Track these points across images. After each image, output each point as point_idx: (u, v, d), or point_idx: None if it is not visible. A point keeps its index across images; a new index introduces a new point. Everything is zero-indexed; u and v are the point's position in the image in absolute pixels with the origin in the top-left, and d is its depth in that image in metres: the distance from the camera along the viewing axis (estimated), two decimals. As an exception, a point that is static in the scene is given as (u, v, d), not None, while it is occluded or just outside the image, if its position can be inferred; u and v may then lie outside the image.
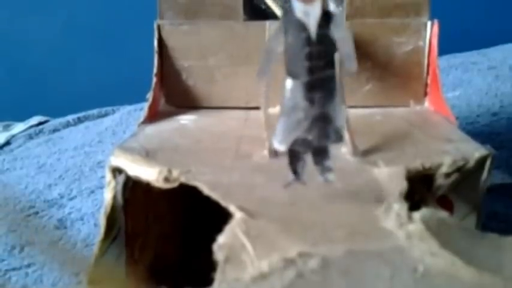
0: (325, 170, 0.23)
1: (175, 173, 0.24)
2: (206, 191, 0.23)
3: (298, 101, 0.21)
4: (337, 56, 0.22)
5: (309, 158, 0.23)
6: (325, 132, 0.22)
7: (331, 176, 0.23)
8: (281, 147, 0.22)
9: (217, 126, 0.32)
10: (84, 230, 0.42)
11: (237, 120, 0.33)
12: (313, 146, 0.22)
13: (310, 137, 0.22)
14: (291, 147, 0.22)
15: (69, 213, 0.45)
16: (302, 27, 0.21)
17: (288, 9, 0.21)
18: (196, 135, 0.30)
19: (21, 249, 0.40)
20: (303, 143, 0.22)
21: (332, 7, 0.33)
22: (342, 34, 0.22)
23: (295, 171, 0.23)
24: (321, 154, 0.23)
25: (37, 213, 0.45)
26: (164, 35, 0.36)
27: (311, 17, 0.21)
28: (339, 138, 0.22)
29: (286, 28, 0.21)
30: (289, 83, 0.22)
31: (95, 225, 0.42)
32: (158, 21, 0.36)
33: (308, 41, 0.21)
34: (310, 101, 0.21)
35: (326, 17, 0.21)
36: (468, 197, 0.26)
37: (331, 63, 0.21)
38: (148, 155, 0.26)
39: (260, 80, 0.24)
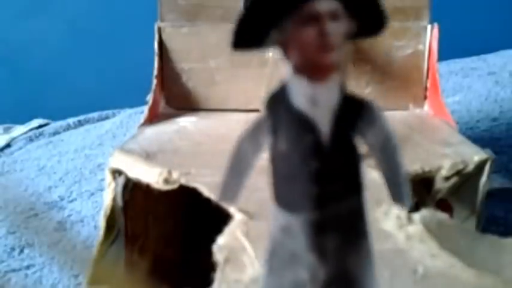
0: None
1: (175, 175, 0.24)
2: (206, 192, 0.23)
3: (298, 252, 0.13)
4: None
5: None
6: None
7: None
8: None
9: (217, 129, 0.33)
10: (83, 232, 0.42)
11: (237, 122, 0.33)
12: None
13: None
14: None
15: (69, 216, 0.45)
16: (306, 124, 0.12)
17: (278, 92, 0.12)
18: (196, 137, 0.31)
19: (21, 251, 0.40)
20: None
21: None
22: (381, 138, 0.13)
23: None
24: None
25: (37, 215, 0.45)
26: (165, 37, 0.36)
27: (322, 106, 0.12)
28: None
29: (275, 125, 0.13)
30: (280, 219, 0.13)
31: (95, 227, 0.42)
32: (159, 24, 0.36)
33: (316, 148, 0.12)
34: (321, 251, 0.13)
35: (349, 106, 0.12)
36: (468, 201, 0.26)
37: (355, 187, 0.13)
38: (148, 156, 0.26)
39: (226, 203, 0.15)
